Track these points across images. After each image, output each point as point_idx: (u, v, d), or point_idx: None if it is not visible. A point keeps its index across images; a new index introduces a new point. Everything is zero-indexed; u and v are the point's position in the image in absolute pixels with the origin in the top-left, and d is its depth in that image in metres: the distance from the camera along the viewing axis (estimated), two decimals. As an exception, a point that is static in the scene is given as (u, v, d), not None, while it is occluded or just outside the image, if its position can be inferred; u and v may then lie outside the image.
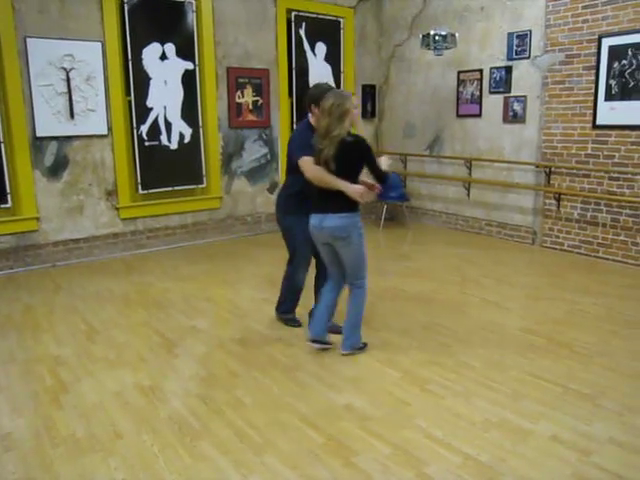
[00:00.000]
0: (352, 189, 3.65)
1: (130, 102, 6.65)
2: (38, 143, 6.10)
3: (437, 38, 6.97)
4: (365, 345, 4.05)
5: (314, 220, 3.81)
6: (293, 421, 3.13)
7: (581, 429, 3.03)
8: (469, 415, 3.18)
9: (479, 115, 7.51)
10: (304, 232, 4.00)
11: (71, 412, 3.26)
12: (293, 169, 4.02)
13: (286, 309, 4.60)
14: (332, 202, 3.71)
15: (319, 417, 3.16)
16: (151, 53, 6.68)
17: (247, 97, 7.51)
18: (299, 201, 4.08)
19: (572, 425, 3.07)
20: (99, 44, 6.25)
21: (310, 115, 4.07)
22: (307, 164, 3.80)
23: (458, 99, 7.76)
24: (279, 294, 4.65)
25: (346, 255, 3.80)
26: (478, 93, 7.48)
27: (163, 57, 6.78)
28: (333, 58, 8.33)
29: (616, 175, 6.17)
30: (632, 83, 5.91)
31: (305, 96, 4.16)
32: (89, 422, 3.14)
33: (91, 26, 6.20)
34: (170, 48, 6.82)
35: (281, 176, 8.03)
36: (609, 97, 6.14)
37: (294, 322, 4.56)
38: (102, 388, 3.54)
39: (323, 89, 3.93)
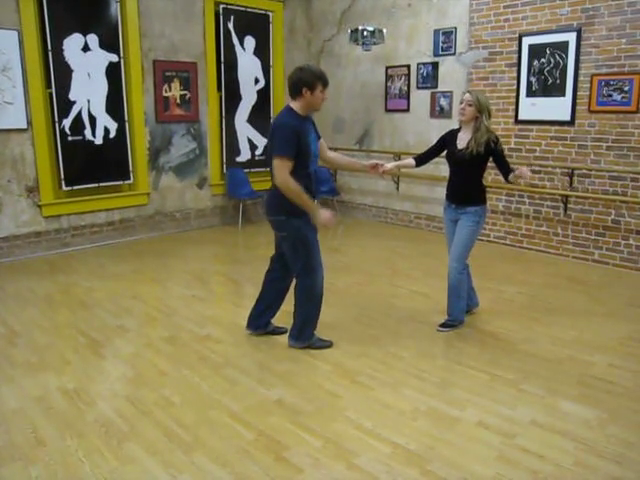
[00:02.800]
0: (320, 216, 3.66)
1: (51, 95, 6.38)
2: (-50, 138, 5.78)
3: (365, 34, 7.04)
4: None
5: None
6: (223, 418, 3.09)
7: (505, 413, 3.13)
8: (398, 405, 3.23)
9: (407, 110, 7.64)
10: (314, 231, 3.81)
11: (-12, 420, 3.10)
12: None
13: (312, 332, 3.98)
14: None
15: (249, 413, 3.14)
16: (73, 44, 6.42)
17: (174, 91, 7.35)
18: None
19: (497, 410, 3.17)
20: (15, 33, 5.95)
21: (294, 101, 3.71)
22: (284, 170, 3.54)
23: (387, 94, 7.86)
24: (296, 318, 3.97)
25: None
26: (406, 88, 7.60)
27: (86, 48, 6.53)
28: (262, 52, 8.26)
29: (538, 168, 6.41)
30: (551, 81, 6.15)
31: (294, 79, 3.69)
32: (8, 430, 3.00)
33: (6, 13, 5.89)
34: (93, 39, 6.58)
35: (210, 171, 7.92)
36: (530, 93, 6.37)
37: (325, 342, 4.00)
38: (23, 393, 3.39)
39: (314, 71, 3.68)
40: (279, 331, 4.20)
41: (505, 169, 4.08)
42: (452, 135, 4.28)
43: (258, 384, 3.49)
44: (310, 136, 3.73)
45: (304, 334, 3.96)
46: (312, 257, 3.82)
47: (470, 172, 4.15)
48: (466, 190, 4.18)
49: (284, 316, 4.11)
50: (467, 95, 4.07)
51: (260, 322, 4.19)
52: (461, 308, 4.32)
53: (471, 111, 4.02)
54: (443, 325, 4.31)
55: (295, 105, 3.72)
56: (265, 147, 8.54)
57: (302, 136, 3.61)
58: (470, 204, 4.14)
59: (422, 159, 4.42)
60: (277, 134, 3.61)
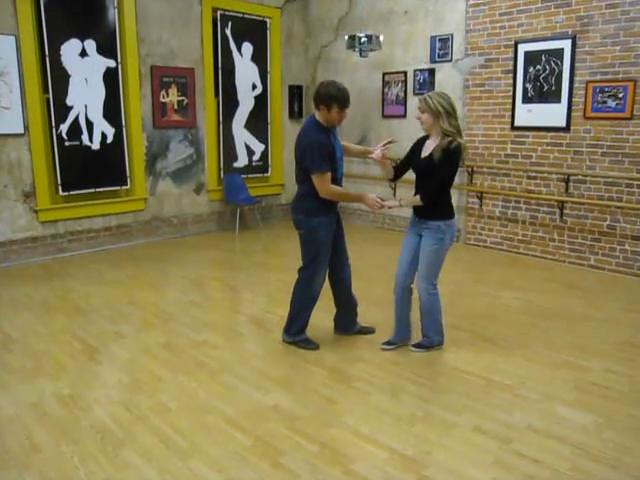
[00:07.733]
0: (366, 199, 3.91)
1: (48, 100, 6.39)
2: (-53, 143, 5.77)
3: (362, 40, 7.06)
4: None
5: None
6: (219, 424, 3.08)
7: (502, 419, 3.13)
8: (395, 410, 3.23)
9: (404, 116, 7.66)
10: (328, 234, 3.91)
11: (-17, 426, 3.09)
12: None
13: (300, 327, 4.07)
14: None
15: (246, 419, 3.13)
16: (70, 49, 6.44)
17: (172, 97, 7.36)
18: (324, 201, 3.82)
19: (493, 415, 3.17)
20: (12, 38, 5.96)
21: (317, 112, 3.77)
22: (325, 183, 3.72)
23: (383, 100, 7.89)
24: (289, 311, 4.11)
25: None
26: (403, 94, 7.62)
27: (83, 54, 6.55)
28: (260, 58, 8.28)
29: (534, 174, 6.44)
30: (546, 87, 6.18)
31: (315, 93, 3.77)
32: (3, 436, 2.98)
33: (3, 18, 5.91)
34: (90, 44, 6.59)
35: (208, 176, 7.93)
36: (526, 100, 6.39)
37: (311, 344, 4.06)
38: (18, 399, 3.37)
39: (331, 91, 3.68)
40: (367, 331, 4.28)
41: (422, 188, 3.77)
42: (420, 143, 3.88)
43: (255, 390, 3.48)
44: (335, 144, 3.84)
45: (292, 329, 4.09)
46: (319, 257, 3.94)
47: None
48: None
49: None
50: (417, 102, 3.74)
51: (344, 324, 4.33)
52: (435, 329, 3.98)
53: (427, 117, 3.65)
54: (417, 345, 4.03)
55: (318, 116, 3.81)
56: (263, 153, 8.56)
57: (330, 148, 3.76)
58: (431, 218, 3.76)
59: (396, 173, 4.04)
60: (309, 151, 3.71)
